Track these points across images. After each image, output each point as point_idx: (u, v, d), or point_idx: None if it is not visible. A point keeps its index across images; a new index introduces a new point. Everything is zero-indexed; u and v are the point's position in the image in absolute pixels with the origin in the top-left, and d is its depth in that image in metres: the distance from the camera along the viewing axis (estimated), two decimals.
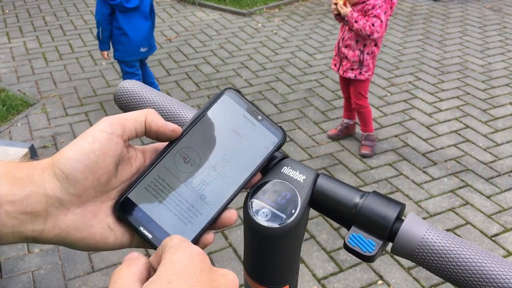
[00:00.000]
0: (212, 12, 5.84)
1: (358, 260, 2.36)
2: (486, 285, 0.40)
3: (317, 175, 0.50)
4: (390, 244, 0.46)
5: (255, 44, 4.91)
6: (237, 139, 0.47)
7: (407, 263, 2.34)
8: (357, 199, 0.47)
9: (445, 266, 0.42)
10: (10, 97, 3.76)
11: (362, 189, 0.50)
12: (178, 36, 5.12)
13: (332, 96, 3.87)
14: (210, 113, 0.48)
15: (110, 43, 3.36)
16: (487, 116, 3.59)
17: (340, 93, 3.90)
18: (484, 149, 3.21)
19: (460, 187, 2.85)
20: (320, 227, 2.56)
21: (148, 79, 3.63)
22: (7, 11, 5.80)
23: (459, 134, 3.37)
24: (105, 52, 3.41)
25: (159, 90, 3.83)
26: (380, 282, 2.25)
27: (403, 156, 3.13)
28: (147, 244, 0.44)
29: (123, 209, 0.43)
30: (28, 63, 4.47)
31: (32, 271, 2.29)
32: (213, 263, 2.34)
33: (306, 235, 2.50)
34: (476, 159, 3.11)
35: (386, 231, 0.45)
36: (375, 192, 0.47)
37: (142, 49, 3.38)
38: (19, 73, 4.29)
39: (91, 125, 3.49)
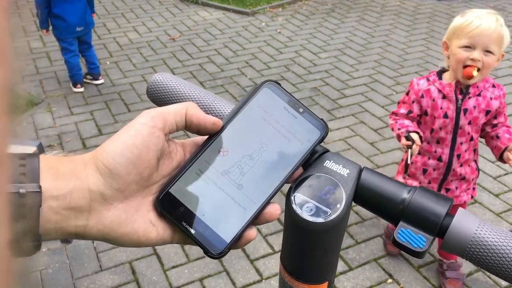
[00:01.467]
0: (216, 11, 5.83)
1: (368, 259, 2.35)
2: None
3: (361, 169, 0.48)
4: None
5: (259, 43, 4.90)
6: (278, 132, 0.46)
7: (417, 261, 2.33)
8: (404, 194, 0.46)
9: (498, 262, 0.41)
10: (14, 97, 3.75)
11: None
12: (182, 35, 5.11)
13: (338, 95, 3.86)
14: (250, 106, 0.47)
15: (49, 21, 3.68)
16: None
17: (346, 91, 3.90)
18: None
19: None
20: None
21: (90, 59, 3.95)
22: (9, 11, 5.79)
23: None
24: (44, 30, 3.74)
25: (99, 71, 4.01)
26: (390, 280, 2.24)
27: None
28: (188, 239, 0.44)
29: (165, 204, 0.42)
30: (32, 63, 4.46)
31: (40, 270, 2.28)
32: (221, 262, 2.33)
33: None
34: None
35: (436, 227, 0.44)
36: (422, 187, 0.47)
37: (78, 29, 3.71)
38: (23, 72, 4.28)
39: (96, 124, 3.48)
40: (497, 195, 2.77)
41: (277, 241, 2.45)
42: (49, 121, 3.53)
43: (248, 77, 4.18)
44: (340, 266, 2.32)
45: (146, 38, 5.02)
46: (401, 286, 2.22)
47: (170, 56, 4.60)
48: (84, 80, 4.03)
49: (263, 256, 2.36)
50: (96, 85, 4.06)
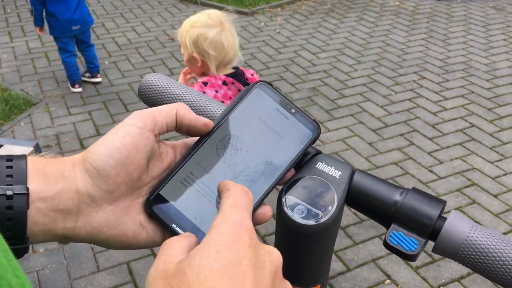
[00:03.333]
0: None
1: (365, 260, 2.34)
2: None
3: (353, 171, 0.48)
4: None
5: (258, 43, 4.89)
6: (270, 133, 0.46)
7: (414, 262, 2.33)
8: (396, 196, 0.45)
9: (491, 265, 0.41)
10: (13, 97, 3.75)
11: None
12: None
13: (337, 95, 3.85)
14: (241, 107, 0.46)
15: (46, 20, 3.67)
16: (492, 115, 3.57)
17: (345, 91, 3.89)
18: (490, 148, 3.19)
19: (467, 186, 2.84)
20: None
21: (89, 59, 3.92)
22: (8, 10, 5.79)
23: (465, 133, 3.36)
24: (38, 28, 3.73)
25: (97, 70, 3.97)
26: (388, 281, 2.24)
27: (408, 155, 3.11)
28: None
29: (155, 206, 0.42)
30: (30, 63, 4.45)
31: (37, 271, 2.27)
32: None
33: None
34: (482, 158, 3.09)
35: (428, 230, 0.43)
36: (414, 189, 0.46)
37: (74, 27, 3.67)
38: (21, 73, 4.28)
39: (94, 124, 3.48)
40: (495, 196, 2.76)
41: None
42: (47, 121, 3.53)
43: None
44: (338, 266, 2.31)
45: (145, 38, 5.01)
46: (399, 286, 2.21)
47: (169, 56, 4.59)
48: (83, 78, 4.02)
49: None
50: (94, 83, 4.05)
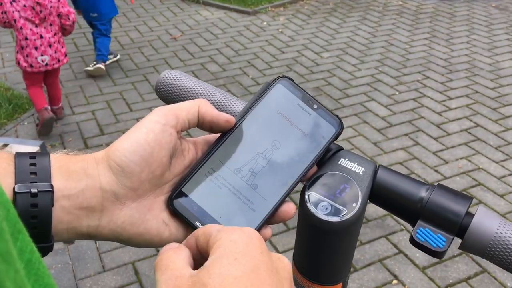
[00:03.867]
0: (217, 11, 5.81)
1: (372, 260, 2.34)
2: None
3: (377, 167, 0.47)
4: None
5: (261, 42, 4.88)
6: (293, 129, 0.45)
7: (421, 262, 2.32)
8: (422, 192, 0.45)
9: None
10: (16, 96, 3.74)
11: None
12: (183, 34, 5.09)
13: (340, 95, 3.84)
14: (263, 103, 0.45)
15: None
16: (497, 115, 3.56)
17: (349, 91, 3.88)
18: (495, 148, 3.18)
19: (473, 186, 2.83)
20: None
21: (97, 45, 4.12)
22: None
23: (470, 133, 3.35)
24: (77, 10, 4.01)
25: (102, 59, 4.13)
26: (395, 281, 2.23)
27: (413, 155, 3.11)
28: None
29: (178, 204, 0.41)
30: None
31: None
32: None
33: None
34: (487, 157, 3.08)
35: (456, 227, 0.43)
36: (440, 185, 0.45)
37: (92, 14, 4.01)
38: None
39: (98, 124, 3.47)
40: (501, 196, 2.75)
41: (281, 242, 2.43)
42: None
43: (250, 76, 4.16)
44: None
45: (148, 38, 5.00)
46: (406, 287, 2.20)
47: (172, 55, 4.58)
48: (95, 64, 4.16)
49: None
50: (96, 68, 4.06)
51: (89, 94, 3.88)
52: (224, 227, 0.35)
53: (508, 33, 5.05)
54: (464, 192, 0.45)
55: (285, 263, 0.34)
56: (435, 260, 2.33)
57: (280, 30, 5.22)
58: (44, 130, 3.21)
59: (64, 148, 3.16)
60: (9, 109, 3.56)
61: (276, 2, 5.95)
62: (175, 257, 0.34)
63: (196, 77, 4.15)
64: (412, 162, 3.03)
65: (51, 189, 0.35)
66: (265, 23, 5.44)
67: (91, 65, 4.11)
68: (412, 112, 3.60)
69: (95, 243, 2.42)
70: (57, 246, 2.38)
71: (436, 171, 2.95)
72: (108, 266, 2.30)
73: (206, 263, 0.32)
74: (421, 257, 2.34)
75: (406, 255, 2.35)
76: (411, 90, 3.92)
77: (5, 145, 2.08)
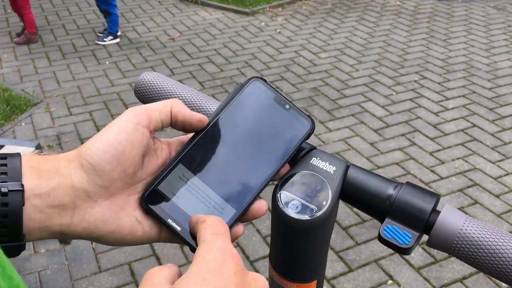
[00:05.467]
0: (215, 11, 5.82)
1: (368, 260, 2.34)
2: None
3: (348, 166, 0.48)
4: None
5: (259, 43, 4.89)
6: (265, 129, 0.46)
7: (416, 262, 2.32)
8: (390, 190, 0.45)
9: (485, 258, 0.41)
10: (13, 97, 3.74)
11: None
12: (181, 35, 5.10)
13: (338, 95, 3.85)
14: (236, 103, 0.46)
15: None
16: (494, 115, 3.57)
17: (346, 91, 3.89)
18: (492, 148, 3.19)
19: (469, 186, 2.83)
20: None
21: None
22: (8, 10, 5.78)
23: (466, 133, 3.35)
24: None
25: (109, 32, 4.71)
26: (390, 282, 2.23)
27: (410, 155, 3.11)
28: (175, 238, 0.43)
29: (150, 202, 0.42)
30: (31, 63, 4.45)
31: (39, 271, 2.27)
32: None
33: None
34: (484, 158, 3.09)
35: (422, 223, 0.43)
36: (408, 183, 0.46)
37: None
38: (22, 73, 4.27)
39: (95, 124, 3.47)
40: (497, 196, 2.76)
41: None
42: (48, 121, 3.52)
43: (248, 77, 4.16)
44: (340, 267, 2.31)
45: (145, 38, 5.01)
46: (401, 287, 2.21)
47: (170, 56, 4.59)
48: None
49: (263, 257, 2.35)
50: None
51: (86, 95, 3.89)
52: (209, 238, 0.35)
53: (506, 33, 5.05)
54: (432, 190, 0.46)
55: (259, 284, 0.34)
56: (430, 260, 2.34)
57: (278, 30, 5.22)
58: None
59: (62, 149, 3.17)
60: (6, 110, 3.56)
61: (274, 3, 5.96)
62: (157, 273, 0.34)
63: (194, 77, 4.16)
64: (409, 163, 3.04)
65: (21, 188, 0.36)
66: (263, 23, 5.44)
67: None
68: (409, 113, 3.61)
69: (92, 243, 2.43)
70: (54, 246, 2.39)
71: (432, 171, 2.96)
72: (104, 267, 2.30)
73: (177, 281, 0.32)
74: (416, 258, 2.35)
75: (401, 255, 2.36)
76: (408, 90, 3.92)
77: (1, 146, 2.09)
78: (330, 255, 2.37)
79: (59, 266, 2.30)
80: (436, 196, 0.45)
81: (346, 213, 2.62)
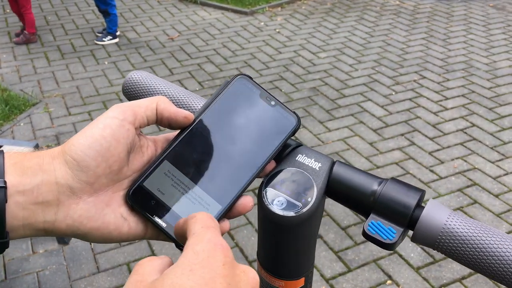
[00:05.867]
0: (214, 11, 5.82)
1: (367, 260, 2.34)
2: (510, 271, 0.39)
3: (333, 163, 0.48)
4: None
5: (258, 43, 4.89)
6: (250, 125, 0.46)
7: (416, 262, 2.32)
8: (375, 186, 0.46)
9: (468, 253, 0.41)
10: (12, 97, 3.74)
11: None
12: (180, 35, 5.10)
13: (337, 95, 3.85)
14: (222, 100, 0.46)
15: None
16: (493, 115, 3.56)
17: (345, 91, 3.89)
18: (491, 148, 3.18)
19: (468, 186, 2.83)
20: (328, 226, 2.54)
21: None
22: (8, 10, 5.78)
23: (466, 133, 3.35)
24: None
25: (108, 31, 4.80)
26: (389, 282, 2.23)
27: (409, 155, 3.11)
28: (161, 234, 0.43)
29: (136, 198, 0.42)
30: (30, 63, 4.45)
31: (37, 272, 2.26)
32: None
33: None
34: (483, 157, 3.08)
35: (406, 219, 0.43)
36: (393, 179, 0.46)
37: None
38: (21, 73, 4.27)
39: None
40: (496, 196, 2.75)
41: None
42: (46, 121, 3.52)
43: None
44: (339, 267, 2.30)
45: (145, 38, 5.00)
46: (400, 287, 2.20)
47: (169, 56, 4.59)
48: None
49: None
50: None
51: (85, 95, 3.88)
52: (199, 231, 0.35)
53: (505, 32, 5.05)
54: (416, 186, 0.46)
55: (249, 277, 0.34)
56: (429, 260, 2.33)
57: (277, 30, 5.22)
58: None
59: None
60: (5, 110, 3.56)
61: (274, 2, 5.96)
62: (147, 264, 0.34)
63: (193, 77, 4.15)
64: (408, 162, 3.03)
65: (4, 185, 0.36)
66: (262, 23, 5.44)
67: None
68: (408, 112, 3.60)
69: (90, 244, 2.42)
70: (52, 247, 2.39)
71: (431, 171, 2.96)
72: (102, 267, 2.30)
73: (166, 271, 0.32)
74: (416, 258, 2.34)
75: (400, 255, 2.35)
76: (407, 90, 3.92)
77: None
78: (329, 255, 2.37)
79: (57, 266, 2.30)
80: (421, 192, 0.45)
81: (345, 213, 2.62)
